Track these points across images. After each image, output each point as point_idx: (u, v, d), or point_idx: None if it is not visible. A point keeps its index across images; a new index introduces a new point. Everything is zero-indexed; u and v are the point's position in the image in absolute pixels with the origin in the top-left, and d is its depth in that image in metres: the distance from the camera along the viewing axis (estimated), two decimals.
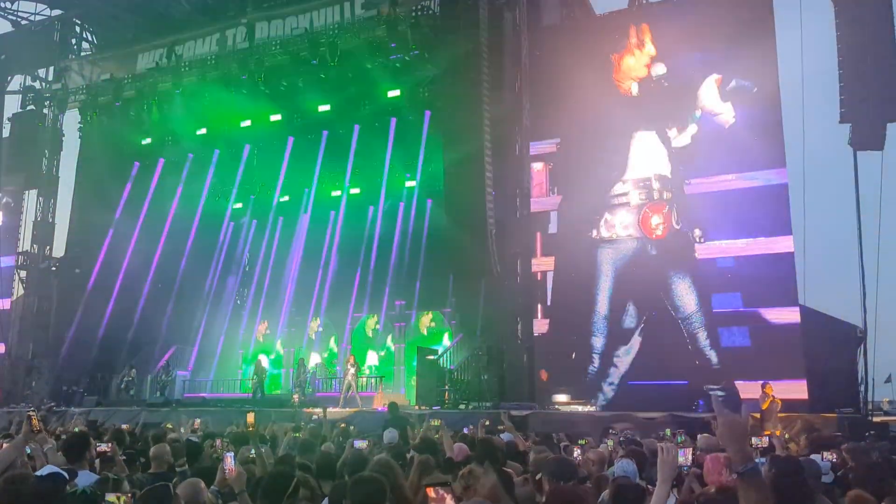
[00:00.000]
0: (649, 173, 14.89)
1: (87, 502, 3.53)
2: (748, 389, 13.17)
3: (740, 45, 16.90)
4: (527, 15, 21.07)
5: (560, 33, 21.49)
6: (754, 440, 6.72)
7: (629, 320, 14.38)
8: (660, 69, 15.87)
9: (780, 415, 14.16)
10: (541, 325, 15.54)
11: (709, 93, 15.97)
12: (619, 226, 14.76)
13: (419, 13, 22.21)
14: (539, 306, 15.80)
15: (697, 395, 13.16)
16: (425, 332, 24.36)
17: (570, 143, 16.67)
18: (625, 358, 14.28)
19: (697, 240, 14.10)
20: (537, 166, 17.31)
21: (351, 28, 23.47)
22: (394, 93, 24.45)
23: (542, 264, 15.93)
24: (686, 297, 13.91)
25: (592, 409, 13.70)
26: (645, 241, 14.60)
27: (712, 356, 13.63)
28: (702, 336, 13.74)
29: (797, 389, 13.59)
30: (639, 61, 16.03)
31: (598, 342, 14.79)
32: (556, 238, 16.25)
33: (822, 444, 7.52)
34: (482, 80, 18.92)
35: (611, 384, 14.42)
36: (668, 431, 8.94)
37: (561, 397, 14.19)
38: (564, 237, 15.94)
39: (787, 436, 12.10)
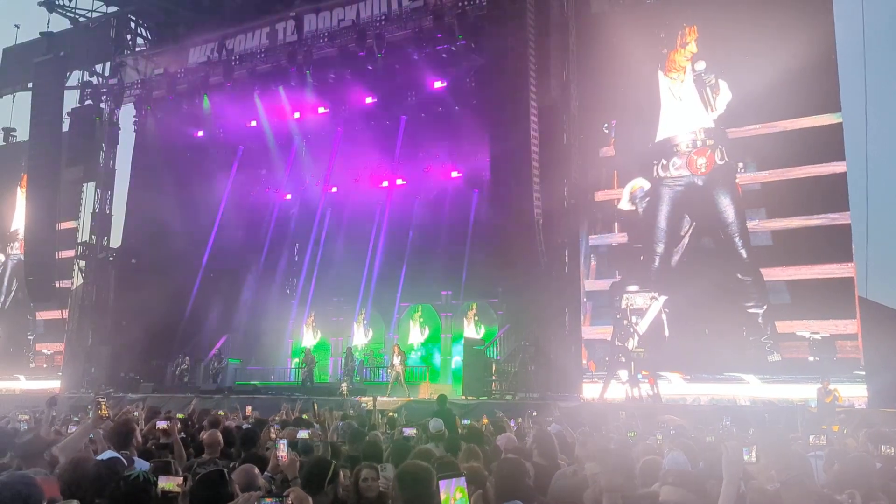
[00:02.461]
0: (696, 127, 18.48)
1: (139, 489, 3.59)
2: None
3: (795, 14, 17.60)
4: (575, 2, 20.83)
5: (609, 20, 21.20)
6: (812, 438, 6.55)
7: (683, 229, 18.30)
8: (700, 65, 18.76)
9: (838, 409, 13.86)
10: (620, 238, 19.28)
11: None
12: (672, 167, 18.56)
13: (466, 3, 22.14)
14: (616, 223, 19.45)
15: (731, 278, 17.11)
16: (470, 324, 24.33)
17: (628, 110, 19.87)
18: (677, 257, 18.25)
19: (740, 170, 17.75)
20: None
21: (398, 19, 23.53)
22: (440, 83, 24.44)
23: (618, 194, 19.47)
24: (727, 210, 17.64)
25: (656, 296, 17.78)
26: (693, 177, 18.31)
27: (743, 252, 17.24)
28: (736, 238, 17.36)
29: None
30: (682, 56, 19.07)
31: (659, 247, 18.50)
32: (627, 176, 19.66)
33: (882, 437, 7.28)
34: (529, 69, 18.78)
35: (667, 276, 18.31)
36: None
37: (632, 287, 18.10)
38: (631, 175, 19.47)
39: (845, 430, 11.79)
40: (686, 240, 18.27)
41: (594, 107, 20.28)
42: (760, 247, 17.26)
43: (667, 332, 17.61)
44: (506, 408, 14.51)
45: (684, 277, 17.82)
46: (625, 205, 19.12)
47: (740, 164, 17.80)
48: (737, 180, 17.78)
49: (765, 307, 16.78)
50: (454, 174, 26.38)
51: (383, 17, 23.81)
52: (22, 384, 28.41)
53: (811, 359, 15.82)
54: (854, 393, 15.20)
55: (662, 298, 17.67)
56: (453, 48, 23.08)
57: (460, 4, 22.13)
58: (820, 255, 16.51)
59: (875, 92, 17.39)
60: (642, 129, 19.36)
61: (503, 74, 19.30)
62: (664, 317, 17.55)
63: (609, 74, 19.94)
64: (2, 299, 30.72)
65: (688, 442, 6.50)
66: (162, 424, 6.87)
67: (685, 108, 18.86)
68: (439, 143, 25.90)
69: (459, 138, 25.28)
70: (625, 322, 17.66)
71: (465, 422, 11.12)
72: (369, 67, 24.28)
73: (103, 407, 5.43)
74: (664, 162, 18.71)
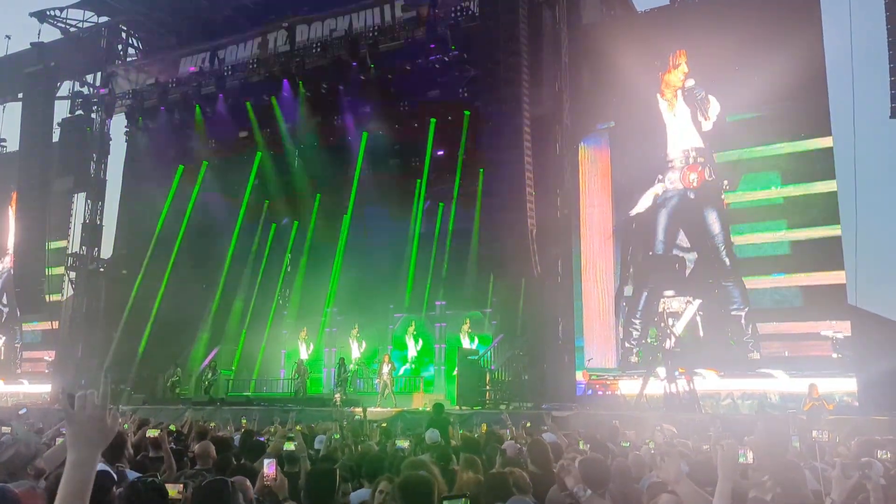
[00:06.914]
0: (688, 146, 19.59)
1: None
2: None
3: (784, 34, 17.93)
4: (566, 13, 20.93)
5: (601, 31, 21.33)
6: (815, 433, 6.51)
7: (679, 238, 19.62)
8: (690, 83, 19.73)
9: (829, 417, 13.87)
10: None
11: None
12: (668, 181, 19.75)
13: (458, 15, 22.22)
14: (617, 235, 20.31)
15: (717, 283, 18.66)
16: (465, 338, 24.17)
17: (625, 122, 20.71)
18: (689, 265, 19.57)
19: (725, 188, 18.94)
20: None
21: (390, 30, 23.58)
22: (433, 93, 24.48)
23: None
24: (713, 223, 18.99)
25: (690, 300, 19.02)
26: (686, 190, 19.52)
27: (727, 261, 18.70)
28: (721, 248, 18.80)
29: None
30: (676, 77, 19.95)
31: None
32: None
33: (874, 445, 7.22)
34: (522, 79, 18.84)
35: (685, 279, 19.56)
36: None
37: (669, 292, 19.30)
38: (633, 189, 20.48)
39: (837, 439, 11.77)
40: (686, 249, 19.53)
41: (594, 111, 20.49)
42: (745, 258, 18.60)
43: (701, 333, 18.77)
44: (500, 417, 14.43)
45: (697, 281, 19.20)
46: (642, 207, 20.02)
47: (725, 182, 18.92)
48: (722, 196, 18.95)
49: (746, 310, 18.11)
50: (448, 184, 26.34)
51: (376, 28, 23.85)
52: (25, 388, 28.92)
53: (835, 356, 16.77)
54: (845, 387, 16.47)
55: (697, 302, 19.02)
56: (446, 59, 23.14)
57: (453, 16, 22.21)
58: (822, 264, 17.63)
59: (863, 112, 17.73)
60: (647, 142, 20.08)
61: (496, 85, 19.35)
62: (699, 319, 18.83)
63: (604, 84, 20.14)
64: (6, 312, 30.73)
65: (684, 451, 6.48)
66: (152, 432, 6.81)
67: (680, 126, 19.76)
68: (432, 154, 25.89)
69: (452, 148, 25.27)
70: (662, 324, 18.73)
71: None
72: (362, 78, 24.28)
73: None
74: (660, 176, 19.79)
